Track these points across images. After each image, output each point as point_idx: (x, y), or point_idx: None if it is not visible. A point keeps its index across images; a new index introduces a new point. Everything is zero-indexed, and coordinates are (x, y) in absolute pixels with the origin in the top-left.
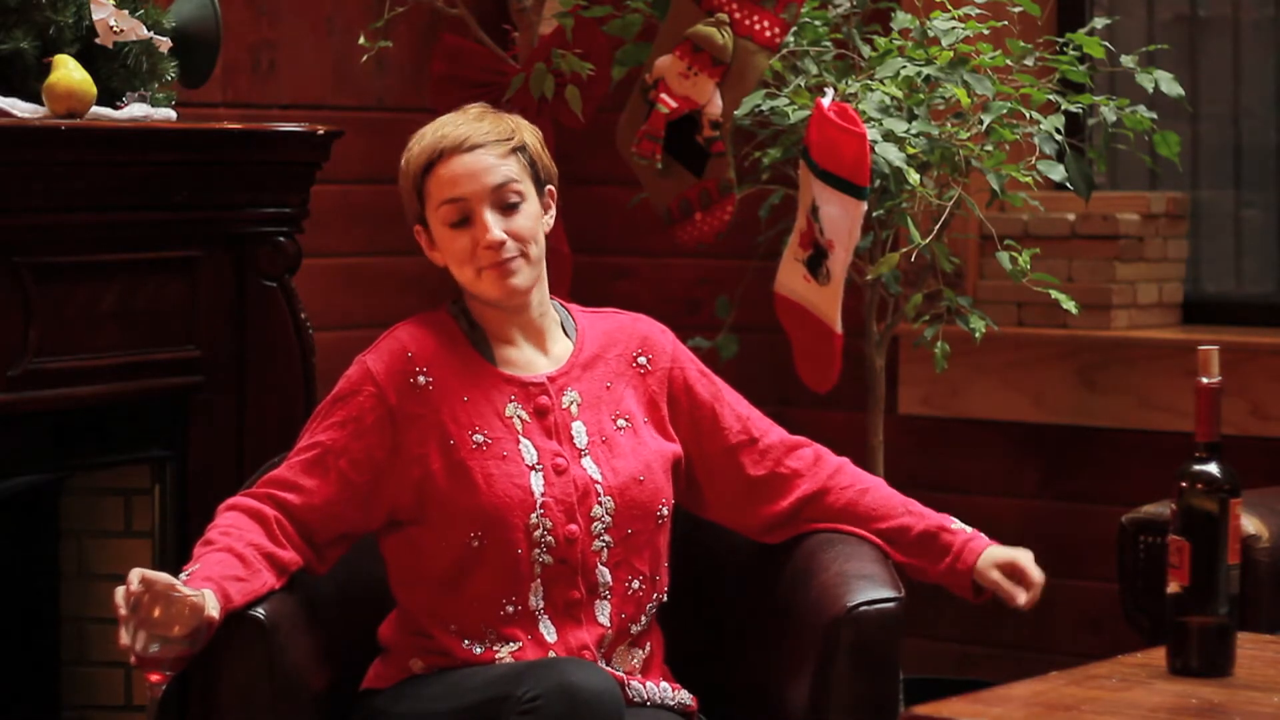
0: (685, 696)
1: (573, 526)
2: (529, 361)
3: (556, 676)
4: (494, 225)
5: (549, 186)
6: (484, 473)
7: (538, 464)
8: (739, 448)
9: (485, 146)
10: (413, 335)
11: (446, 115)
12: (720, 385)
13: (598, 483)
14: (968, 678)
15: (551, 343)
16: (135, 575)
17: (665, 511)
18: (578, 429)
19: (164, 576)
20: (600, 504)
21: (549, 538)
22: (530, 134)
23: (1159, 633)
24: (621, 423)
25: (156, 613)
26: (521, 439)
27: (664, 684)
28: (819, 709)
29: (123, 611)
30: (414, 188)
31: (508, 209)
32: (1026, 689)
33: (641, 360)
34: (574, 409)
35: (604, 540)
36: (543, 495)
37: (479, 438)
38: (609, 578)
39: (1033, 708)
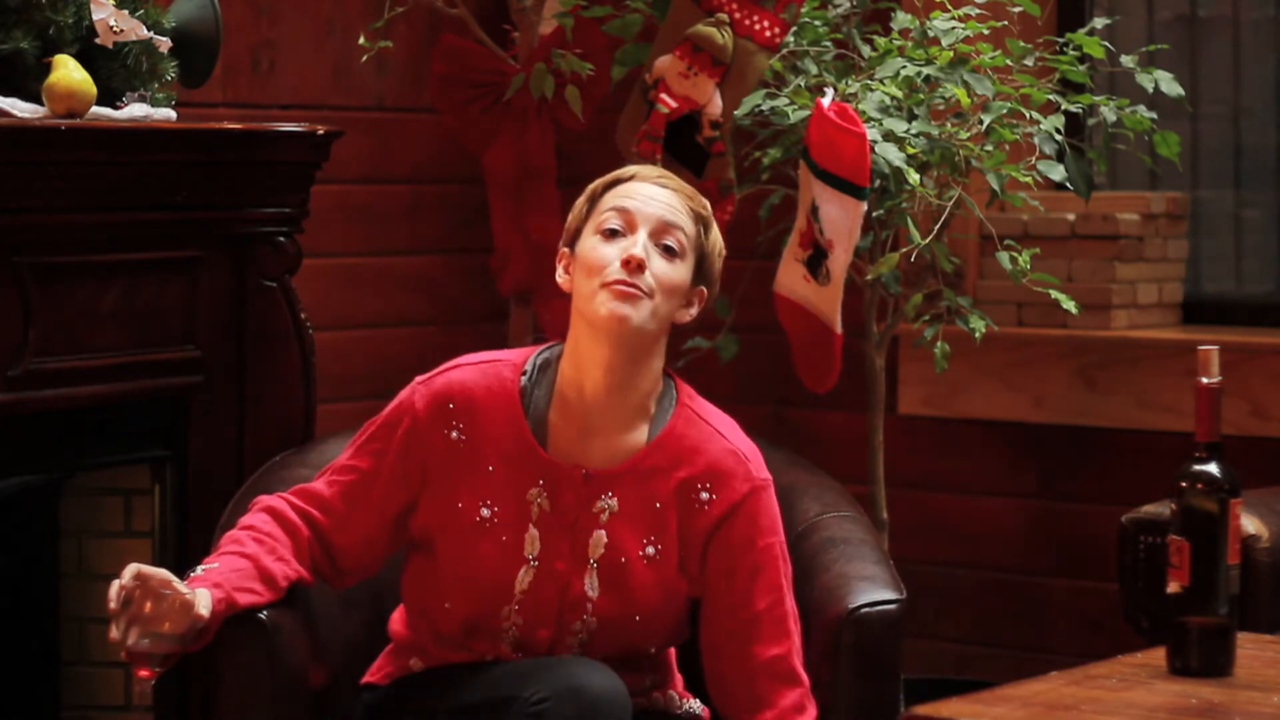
0: (696, 706)
1: (543, 632)
2: (581, 449)
3: (564, 678)
4: (644, 247)
5: (702, 287)
6: (474, 550)
7: (535, 559)
8: (730, 634)
9: (677, 194)
10: (464, 384)
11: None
12: (763, 567)
13: (590, 600)
14: (968, 678)
15: (624, 435)
16: (130, 570)
17: (654, 649)
18: (597, 539)
19: (160, 572)
20: (583, 621)
21: (515, 632)
22: (717, 239)
23: (1159, 633)
24: (651, 550)
25: (147, 608)
26: (531, 527)
27: (672, 693)
28: (821, 710)
29: (113, 605)
30: (590, 198)
31: (664, 251)
32: (1026, 689)
33: (704, 495)
34: (604, 516)
35: (575, 651)
36: (522, 593)
37: (486, 512)
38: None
39: (1033, 708)
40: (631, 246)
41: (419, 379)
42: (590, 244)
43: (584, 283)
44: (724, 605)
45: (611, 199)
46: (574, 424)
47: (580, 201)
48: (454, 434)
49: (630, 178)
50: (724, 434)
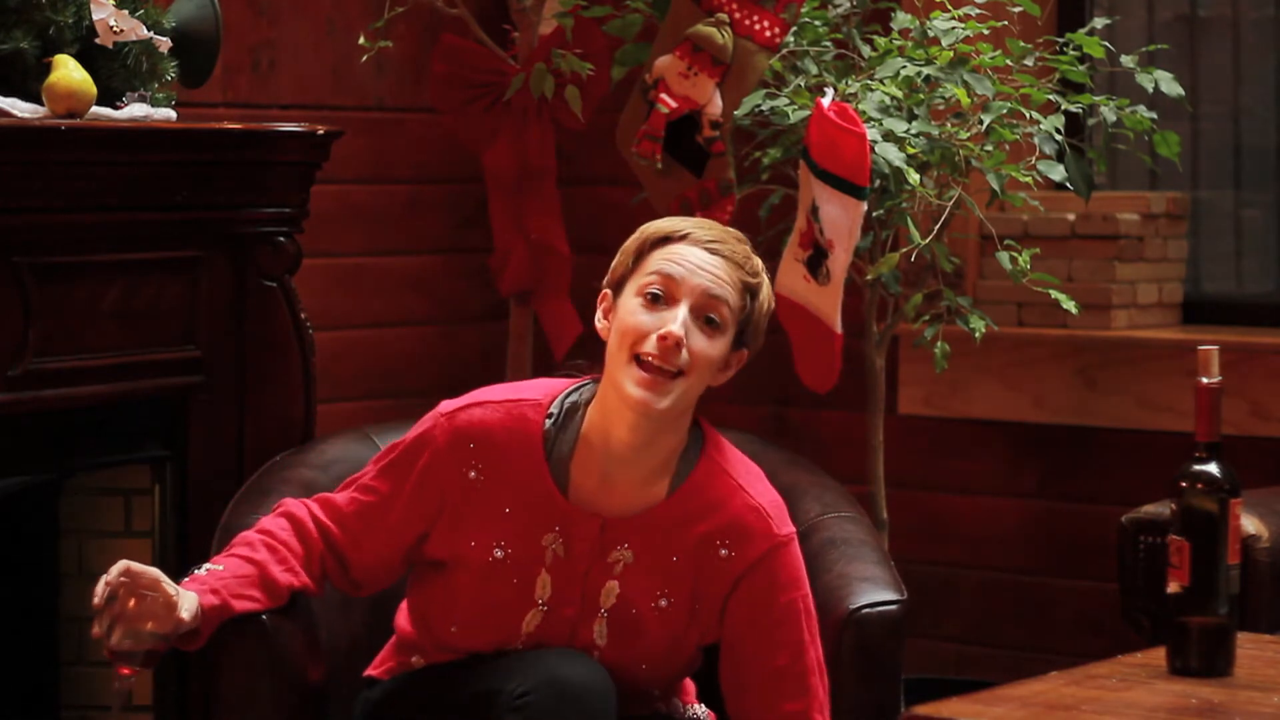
0: (700, 711)
1: None
2: (601, 497)
3: (545, 671)
4: (683, 322)
5: (744, 350)
6: (483, 589)
7: (544, 603)
8: (749, 687)
9: (729, 261)
10: (486, 425)
11: (714, 224)
12: (784, 622)
13: (597, 648)
14: (968, 678)
15: (646, 483)
16: (119, 566)
17: (659, 693)
18: (609, 589)
19: (150, 570)
20: None
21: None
22: (767, 292)
23: (1159, 633)
24: (664, 602)
25: (131, 605)
26: (544, 572)
27: (675, 701)
28: None
29: (98, 600)
30: (637, 250)
31: (706, 324)
32: (1026, 689)
33: (724, 552)
34: (618, 567)
35: None
36: (529, 634)
37: (499, 553)
38: None
39: (1033, 708)
40: (671, 321)
41: (444, 408)
42: (631, 306)
43: (618, 345)
44: (743, 657)
45: (659, 259)
46: (595, 472)
47: (629, 246)
48: (472, 473)
49: (683, 237)
50: (746, 488)
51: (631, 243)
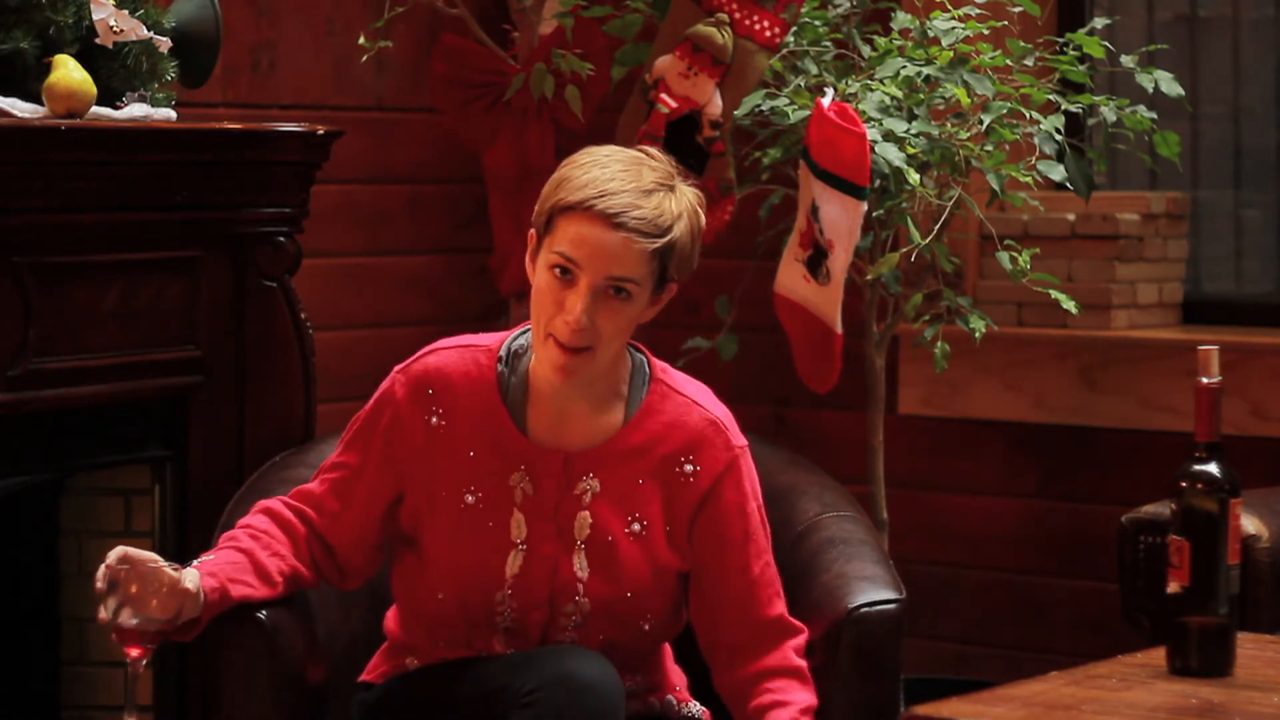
0: (696, 709)
1: (537, 614)
2: (560, 433)
3: (554, 667)
4: (585, 309)
5: (672, 284)
6: (461, 536)
7: (522, 543)
8: (728, 604)
9: (632, 235)
10: (442, 370)
11: (625, 160)
12: (753, 532)
13: (581, 581)
14: (968, 678)
15: (600, 415)
16: (116, 552)
17: (649, 626)
18: (582, 520)
19: (146, 554)
20: (575, 603)
21: (510, 616)
22: (685, 225)
23: (1159, 633)
24: (637, 527)
25: (134, 588)
26: (515, 512)
27: (669, 698)
28: (821, 709)
29: (100, 585)
30: (549, 212)
31: (615, 294)
32: (1026, 689)
33: (688, 468)
34: (587, 497)
35: (569, 636)
36: (514, 577)
37: (470, 499)
38: None
39: (1033, 708)
40: (573, 308)
41: (398, 368)
42: (542, 277)
43: (534, 313)
44: (718, 572)
45: (565, 232)
46: (549, 410)
47: (546, 201)
48: (434, 419)
49: (588, 208)
50: (700, 403)
51: (548, 191)
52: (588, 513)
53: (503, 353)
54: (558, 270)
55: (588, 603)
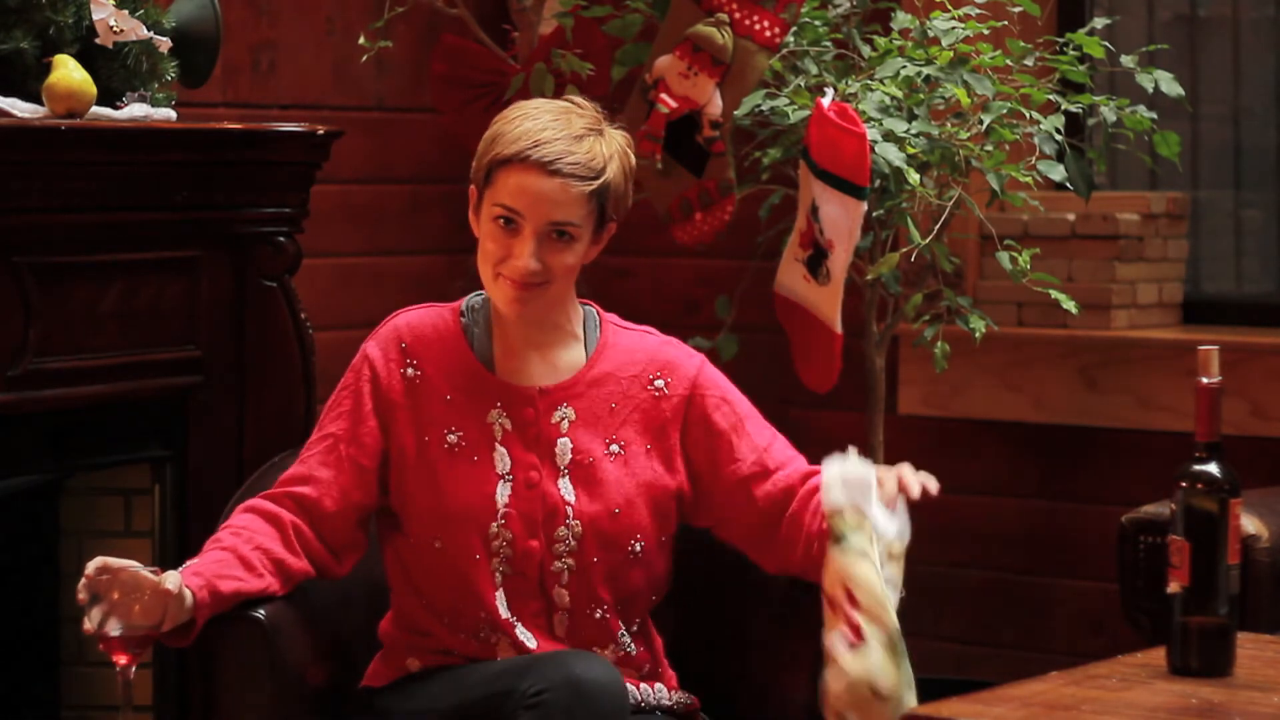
0: (685, 697)
1: (533, 542)
2: (528, 370)
3: (560, 669)
4: (533, 254)
5: (612, 221)
6: (449, 475)
7: (508, 474)
8: (751, 479)
9: (568, 180)
10: (411, 325)
11: (554, 110)
12: (743, 413)
13: (569, 504)
14: (968, 678)
15: (562, 353)
16: (95, 562)
17: (640, 548)
18: (563, 446)
19: (124, 561)
20: (566, 526)
21: (507, 549)
22: (617, 166)
23: (1159, 633)
24: (615, 448)
25: (116, 595)
26: (498, 446)
27: (659, 685)
28: (815, 716)
29: (82, 597)
30: (486, 167)
31: (558, 237)
32: (1026, 689)
33: (659, 384)
34: (564, 425)
35: (565, 563)
36: (506, 506)
37: (452, 438)
38: (567, 601)
39: (1033, 708)
40: (520, 254)
41: (365, 340)
42: (487, 229)
43: (483, 264)
44: (734, 461)
45: (504, 185)
46: (514, 350)
47: (481, 160)
48: (410, 370)
49: (523, 160)
50: (652, 333)
51: (483, 149)
52: (567, 439)
53: (464, 308)
54: (501, 221)
55: (578, 524)
